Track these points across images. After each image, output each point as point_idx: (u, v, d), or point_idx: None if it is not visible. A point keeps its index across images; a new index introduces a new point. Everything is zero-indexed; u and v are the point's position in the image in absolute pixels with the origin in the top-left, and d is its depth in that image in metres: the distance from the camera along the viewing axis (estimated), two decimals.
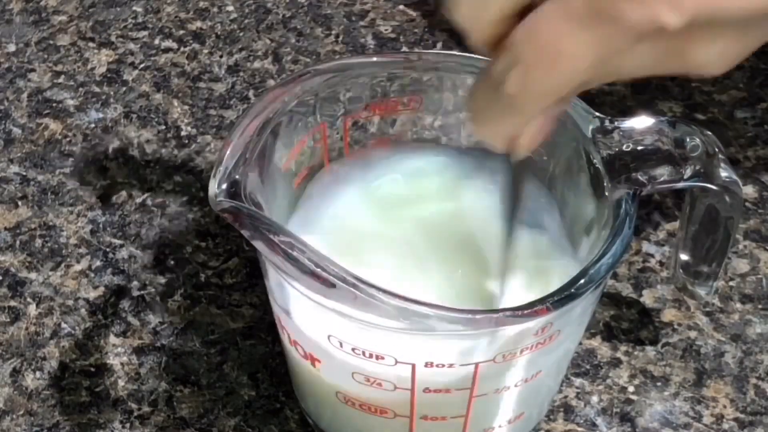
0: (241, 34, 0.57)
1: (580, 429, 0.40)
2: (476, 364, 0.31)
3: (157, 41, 0.57)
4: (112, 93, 0.54)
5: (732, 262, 0.46)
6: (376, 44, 0.56)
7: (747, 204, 0.48)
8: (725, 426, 0.40)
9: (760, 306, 0.44)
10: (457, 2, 0.27)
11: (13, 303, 0.45)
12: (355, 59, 0.37)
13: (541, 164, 0.37)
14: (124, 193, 0.49)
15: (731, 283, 0.45)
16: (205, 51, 0.56)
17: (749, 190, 0.48)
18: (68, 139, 0.52)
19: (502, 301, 0.34)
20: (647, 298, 0.44)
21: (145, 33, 0.57)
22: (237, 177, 0.31)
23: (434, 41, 0.57)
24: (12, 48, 0.57)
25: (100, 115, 0.53)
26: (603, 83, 0.27)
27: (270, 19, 0.58)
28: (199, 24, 0.58)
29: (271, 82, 0.54)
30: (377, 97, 0.37)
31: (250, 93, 0.54)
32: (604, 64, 0.25)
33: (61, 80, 0.55)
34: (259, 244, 0.30)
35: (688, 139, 0.33)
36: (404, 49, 0.56)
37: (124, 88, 0.54)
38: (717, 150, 0.33)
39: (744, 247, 0.46)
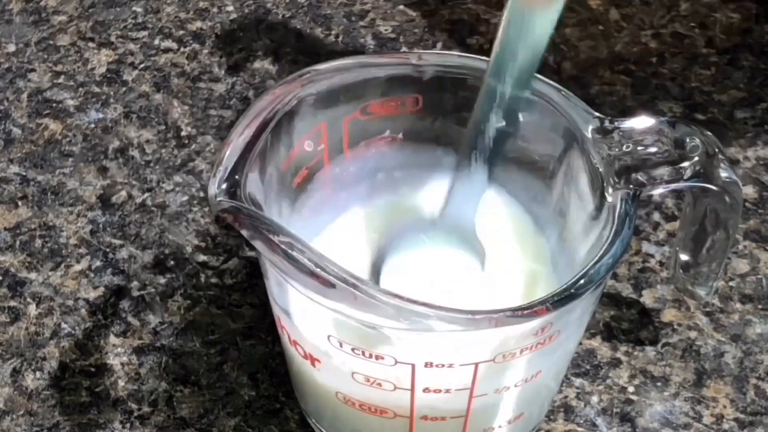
0: (241, 34, 0.57)
1: (580, 429, 0.40)
2: (476, 365, 0.31)
3: (156, 41, 0.57)
4: (112, 93, 0.54)
5: (732, 262, 0.46)
6: (376, 44, 0.56)
7: (747, 204, 0.48)
8: (725, 426, 0.40)
9: (760, 306, 0.44)
10: None
11: (13, 303, 0.45)
12: (355, 59, 0.37)
13: (541, 164, 0.37)
14: (124, 193, 0.49)
15: (731, 284, 0.45)
16: (205, 51, 0.56)
17: (749, 190, 0.48)
18: (68, 139, 0.52)
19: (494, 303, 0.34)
20: (647, 299, 0.44)
21: (145, 33, 0.57)
22: (237, 177, 0.31)
23: (434, 41, 0.56)
24: (12, 48, 0.57)
25: (100, 115, 0.53)
26: None
27: (270, 19, 0.58)
28: (199, 24, 0.58)
29: (271, 82, 0.54)
30: (377, 97, 0.37)
31: (250, 93, 0.54)
32: None
33: (61, 80, 0.55)
34: (258, 244, 0.30)
35: (688, 140, 0.33)
36: (404, 49, 0.56)
37: (124, 88, 0.54)
38: (717, 150, 0.33)
39: (744, 247, 0.46)
